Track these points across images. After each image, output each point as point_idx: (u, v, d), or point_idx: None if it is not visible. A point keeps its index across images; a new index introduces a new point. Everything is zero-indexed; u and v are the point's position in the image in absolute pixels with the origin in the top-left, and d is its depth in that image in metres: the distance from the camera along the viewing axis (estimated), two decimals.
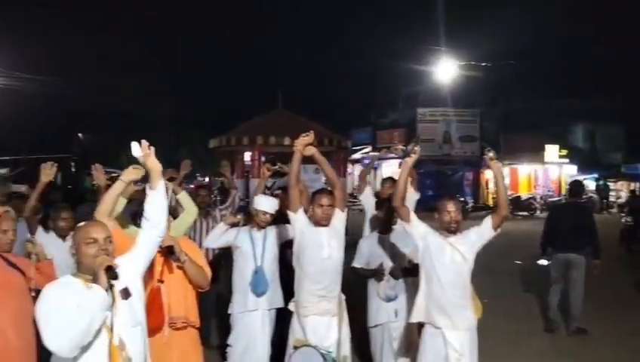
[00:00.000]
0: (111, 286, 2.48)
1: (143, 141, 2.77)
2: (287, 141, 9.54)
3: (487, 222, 3.74)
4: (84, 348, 2.46)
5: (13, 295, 3.68)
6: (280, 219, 4.59)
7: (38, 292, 3.94)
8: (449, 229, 3.70)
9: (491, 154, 3.67)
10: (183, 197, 4.59)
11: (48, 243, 4.22)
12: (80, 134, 24.52)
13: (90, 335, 2.44)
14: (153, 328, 3.33)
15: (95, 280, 2.48)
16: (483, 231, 3.74)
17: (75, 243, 2.61)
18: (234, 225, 4.69)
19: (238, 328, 4.51)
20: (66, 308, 2.41)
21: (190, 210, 4.48)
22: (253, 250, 4.51)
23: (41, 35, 22.11)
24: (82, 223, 2.74)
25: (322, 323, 3.99)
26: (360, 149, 27.40)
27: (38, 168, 4.54)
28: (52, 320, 2.41)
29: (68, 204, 5.03)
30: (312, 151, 3.95)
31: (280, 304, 4.52)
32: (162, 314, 3.47)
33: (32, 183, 5.58)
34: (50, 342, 2.39)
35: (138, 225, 3.01)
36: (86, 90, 22.05)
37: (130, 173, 3.17)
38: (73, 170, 19.41)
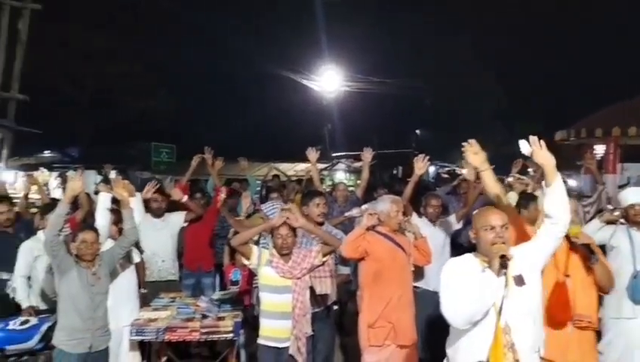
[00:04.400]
0: (505, 272, 2.56)
1: (532, 137, 2.76)
2: None
3: None
4: (474, 324, 2.61)
5: (399, 270, 4.20)
6: None
7: (416, 267, 4.43)
8: None
9: None
10: None
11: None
12: (417, 130, 26.37)
13: (479, 314, 2.58)
14: (558, 322, 3.34)
15: (490, 263, 2.62)
16: None
17: (475, 227, 2.78)
18: None
19: (610, 335, 4.15)
20: (463, 284, 2.62)
21: None
22: (632, 251, 4.07)
23: (385, 40, 24.52)
24: (482, 208, 2.92)
25: None
26: None
27: (383, 161, 5.10)
28: (451, 293, 2.65)
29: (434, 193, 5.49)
30: None
31: None
32: (568, 310, 3.39)
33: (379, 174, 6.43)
34: (446, 311, 2.64)
35: None
36: (424, 88, 23.62)
37: None
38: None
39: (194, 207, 5.82)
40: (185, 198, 5.83)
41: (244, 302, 5.13)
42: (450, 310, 2.62)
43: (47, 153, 19.72)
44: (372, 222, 4.17)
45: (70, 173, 4.72)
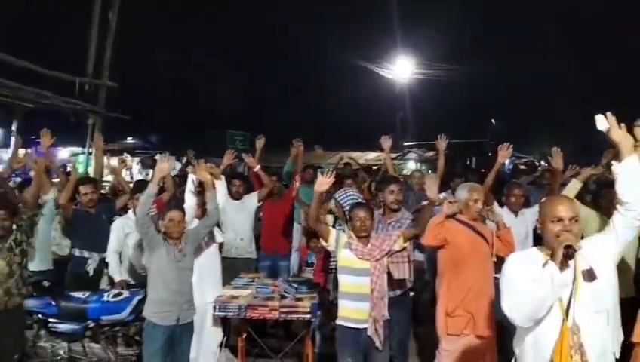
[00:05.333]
0: (569, 265, 2.42)
1: (608, 113, 2.56)
2: None
3: None
4: (537, 322, 2.46)
5: (480, 259, 4.12)
6: None
7: (498, 258, 4.33)
8: None
9: None
10: None
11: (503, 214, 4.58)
12: (493, 120, 25.57)
13: (542, 310, 2.42)
14: None
15: (553, 256, 2.45)
16: None
17: (541, 218, 2.62)
18: None
19: None
20: (524, 278, 2.46)
21: None
22: None
23: (456, 27, 23.85)
24: (551, 197, 2.76)
25: None
26: None
27: (456, 151, 4.96)
28: (511, 288, 2.50)
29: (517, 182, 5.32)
30: None
31: None
32: None
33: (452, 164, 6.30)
34: (506, 308, 2.49)
35: None
36: (499, 76, 22.83)
37: None
38: (489, 154, 20.55)
39: (266, 180, 5.99)
40: (258, 168, 6.03)
41: (320, 285, 5.22)
42: (509, 306, 2.47)
43: (129, 139, 20.74)
44: (452, 209, 4.12)
45: (158, 156, 4.97)
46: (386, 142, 6.10)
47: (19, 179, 6.92)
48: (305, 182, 6.73)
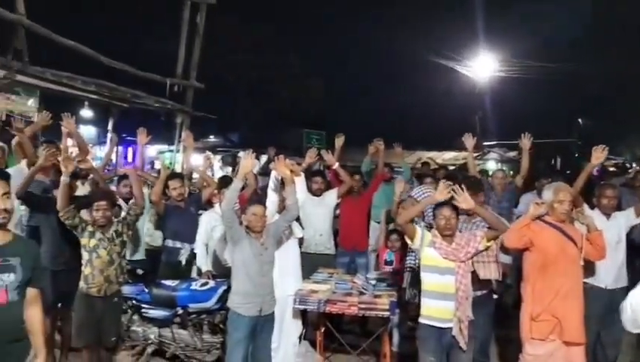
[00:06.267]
0: None
1: None
2: None
3: None
4: None
5: (568, 262, 3.98)
6: None
7: (587, 261, 4.15)
8: None
9: None
10: None
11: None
12: (580, 120, 24.21)
13: None
14: None
15: None
16: None
17: None
18: None
19: None
20: None
21: None
22: None
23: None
24: None
25: None
26: None
27: (540, 151, 4.78)
28: None
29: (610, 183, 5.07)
30: None
31: None
32: None
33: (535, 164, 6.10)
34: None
35: None
36: (588, 74, 21.57)
37: None
38: (576, 155, 19.55)
39: (345, 177, 6.05)
40: (337, 165, 6.12)
41: (400, 284, 5.22)
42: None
43: (211, 138, 21.57)
44: (538, 211, 4.00)
45: (242, 154, 5.17)
46: (469, 140, 5.98)
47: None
48: (384, 181, 6.74)
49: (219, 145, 20.28)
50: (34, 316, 2.86)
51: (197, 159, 10.78)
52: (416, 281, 4.50)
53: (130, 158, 14.33)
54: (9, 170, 4.64)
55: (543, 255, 3.94)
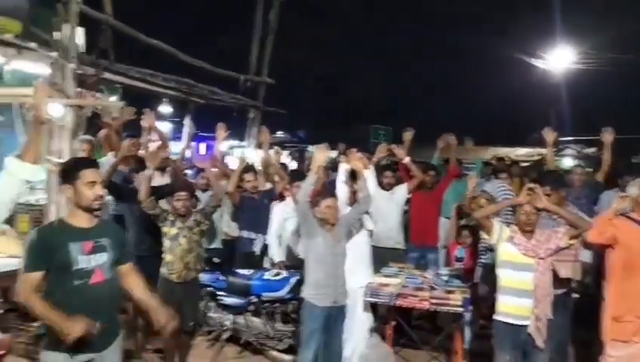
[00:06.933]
0: None
1: None
2: None
3: None
4: None
5: None
6: None
7: None
8: None
9: None
10: None
11: None
12: None
13: None
14: None
15: None
16: None
17: None
18: None
19: None
20: None
21: None
22: None
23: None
24: None
25: None
26: None
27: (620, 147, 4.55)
28: None
29: None
30: None
31: None
32: None
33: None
34: None
35: None
36: None
37: None
38: None
39: (416, 171, 6.02)
40: (407, 159, 6.09)
41: (471, 280, 5.15)
42: None
43: (279, 133, 21.94)
44: (622, 206, 3.82)
45: (315, 147, 5.23)
46: (550, 134, 5.78)
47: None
48: (455, 177, 6.64)
49: (286, 140, 20.60)
50: (136, 283, 3.07)
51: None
52: (489, 278, 4.43)
53: (202, 153, 14.85)
54: (100, 161, 4.95)
55: (627, 252, 3.77)
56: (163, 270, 4.64)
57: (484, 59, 22.28)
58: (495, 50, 20.68)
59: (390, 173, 6.07)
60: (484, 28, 21.86)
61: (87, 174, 2.81)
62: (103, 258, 2.85)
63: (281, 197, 5.87)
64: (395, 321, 4.94)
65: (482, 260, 5.17)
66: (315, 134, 20.40)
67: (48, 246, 2.73)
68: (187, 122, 8.52)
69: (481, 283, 5.05)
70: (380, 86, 23.62)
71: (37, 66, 5.67)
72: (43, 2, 6.24)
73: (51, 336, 2.71)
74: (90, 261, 2.80)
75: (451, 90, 23.86)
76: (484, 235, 4.05)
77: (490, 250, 4.51)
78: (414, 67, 23.96)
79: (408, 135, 6.59)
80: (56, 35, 5.45)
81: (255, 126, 10.41)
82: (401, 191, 6.06)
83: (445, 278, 5.02)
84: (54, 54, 5.32)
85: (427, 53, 23.98)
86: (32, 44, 5.36)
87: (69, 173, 2.84)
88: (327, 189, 5.13)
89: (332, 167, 6.87)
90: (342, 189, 4.90)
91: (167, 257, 4.63)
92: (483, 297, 4.93)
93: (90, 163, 2.96)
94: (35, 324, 4.80)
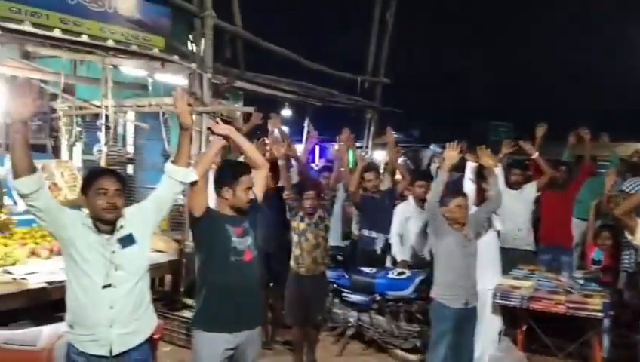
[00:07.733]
0: None
1: None
2: None
3: None
4: None
5: None
6: None
7: None
8: None
9: None
10: None
11: None
12: None
13: None
14: None
15: None
16: None
17: None
18: None
19: None
20: None
21: None
22: None
23: None
24: None
25: None
26: None
27: None
28: None
29: None
30: None
31: None
32: None
33: None
34: None
35: None
36: None
37: None
38: None
39: (545, 167, 5.73)
40: (537, 155, 5.83)
41: (609, 284, 4.79)
42: None
43: (394, 133, 21.83)
44: None
45: (432, 147, 5.19)
46: None
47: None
48: (589, 175, 6.21)
49: (401, 140, 20.43)
50: None
51: (380, 154, 11.05)
52: (634, 283, 4.10)
53: (317, 155, 15.24)
54: None
55: None
56: (292, 264, 4.81)
57: (620, 44, 20.40)
58: (636, 32, 18.83)
59: (519, 170, 5.81)
60: (624, 14, 20.00)
61: (246, 180, 3.17)
62: (248, 240, 3.22)
63: (402, 197, 5.86)
64: (526, 325, 4.72)
65: (625, 264, 4.80)
66: (430, 133, 19.99)
67: (214, 221, 3.16)
68: (307, 125, 8.81)
69: (626, 288, 4.69)
70: (497, 82, 22.61)
71: (176, 78, 6.20)
72: (180, 17, 6.77)
73: (209, 315, 3.12)
74: (242, 243, 3.18)
75: (580, 82, 22.16)
76: (627, 235, 3.74)
77: (636, 250, 4.17)
78: (549, 57, 22.55)
79: (541, 130, 6.20)
80: (192, 47, 5.91)
81: (373, 126, 10.49)
82: (530, 190, 5.78)
83: (581, 281, 4.72)
84: (193, 65, 5.78)
85: (549, 46, 22.53)
86: (175, 57, 5.84)
87: (230, 177, 3.18)
88: (451, 189, 5.03)
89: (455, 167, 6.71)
90: (469, 188, 4.79)
91: (296, 251, 4.79)
92: (626, 303, 4.57)
93: (248, 170, 3.28)
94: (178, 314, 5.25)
